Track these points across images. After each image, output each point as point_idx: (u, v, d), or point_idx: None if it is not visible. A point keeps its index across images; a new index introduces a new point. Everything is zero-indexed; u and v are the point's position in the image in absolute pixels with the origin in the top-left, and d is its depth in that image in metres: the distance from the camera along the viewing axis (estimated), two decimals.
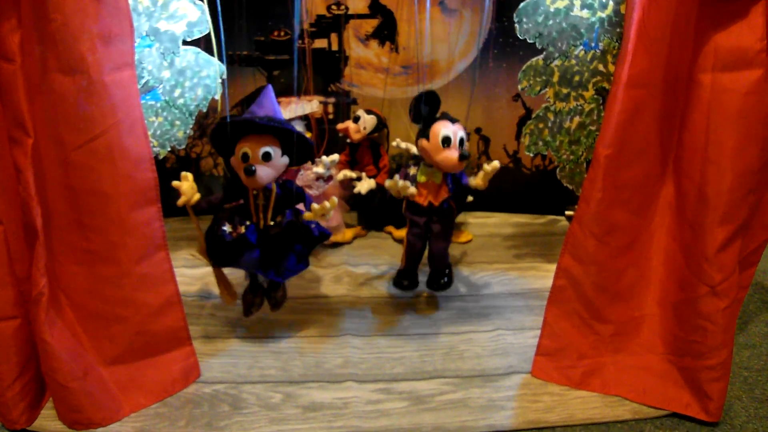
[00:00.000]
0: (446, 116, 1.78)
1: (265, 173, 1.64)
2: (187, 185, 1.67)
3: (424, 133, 1.76)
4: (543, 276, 2.23)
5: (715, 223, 1.47)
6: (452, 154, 1.72)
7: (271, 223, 1.74)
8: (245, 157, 1.64)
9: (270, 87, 1.72)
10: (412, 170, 1.84)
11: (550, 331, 1.71)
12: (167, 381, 1.64)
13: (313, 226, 1.79)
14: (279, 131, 1.66)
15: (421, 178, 1.82)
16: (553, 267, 1.69)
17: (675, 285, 1.62)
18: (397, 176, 1.78)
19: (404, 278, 1.98)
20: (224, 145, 1.70)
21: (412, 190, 1.78)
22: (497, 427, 1.54)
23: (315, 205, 1.73)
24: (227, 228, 1.70)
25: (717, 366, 1.52)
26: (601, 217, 1.59)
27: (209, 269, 1.89)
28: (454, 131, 1.73)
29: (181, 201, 1.66)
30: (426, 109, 1.78)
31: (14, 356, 1.47)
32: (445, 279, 1.98)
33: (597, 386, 1.66)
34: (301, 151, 1.73)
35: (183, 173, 1.67)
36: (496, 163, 1.75)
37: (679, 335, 1.60)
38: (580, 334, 1.69)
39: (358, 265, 2.33)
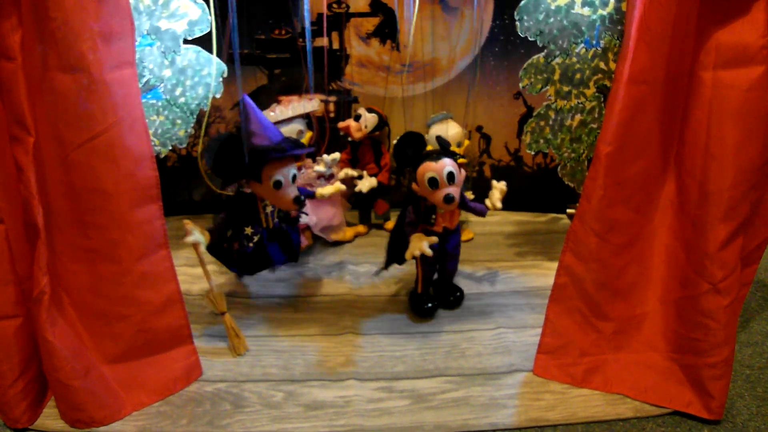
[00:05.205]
0: (436, 152, 1.73)
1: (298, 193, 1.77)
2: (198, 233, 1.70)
3: (413, 176, 1.74)
4: (544, 274, 2.23)
5: (717, 219, 1.47)
6: (440, 197, 1.69)
7: (277, 219, 1.86)
8: (278, 184, 1.71)
9: (247, 98, 1.73)
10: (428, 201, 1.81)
11: (552, 328, 1.70)
12: (169, 379, 1.64)
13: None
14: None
15: (440, 210, 1.80)
16: (555, 265, 1.69)
17: (676, 282, 1.61)
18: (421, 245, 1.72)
19: (424, 302, 1.97)
20: (235, 170, 1.75)
21: (428, 251, 1.73)
22: (499, 426, 1.54)
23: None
24: (245, 242, 1.79)
25: (719, 364, 1.52)
26: (602, 215, 1.58)
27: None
28: (439, 170, 1.68)
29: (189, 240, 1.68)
30: (410, 152, 1.76)
31: (16, 355, 1.48)
32: (455, 296, 2.00)
33: (599, 384, 1.66)
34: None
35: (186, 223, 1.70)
36: (503, 185, 1.82)
37: (681, 332, 1.60)
38: (582, 331, 1.69)
39: (360, 263, 2.32)
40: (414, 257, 1.76)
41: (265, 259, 1.88)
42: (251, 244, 1.80)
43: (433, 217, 1.81)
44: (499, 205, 1.85)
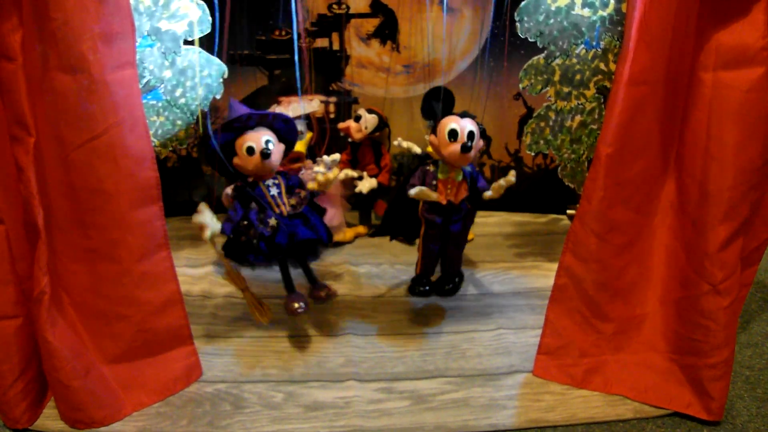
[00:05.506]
0: (464, 113, 1.74)
1: (275, 156, 1.74)
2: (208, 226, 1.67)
3: (434, 128, 1.73)
4: (545, 275, 2.23)
5: (717, 220, 1.47)
6: (457, 147, 1.66)
7: (290, 207, 1.81)
8: (251, 150, 1.71)
9: (233, 100, 1.77)
10: (431, 167, 1.77)
11: (552, 329, 1.70)
12: (169, 380, 1.64)
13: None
14: (267, 123, 1.77)
15: (441, 175, 1.75)
16: (555, 266, 1.69)
17: (676, 283, 1.61)
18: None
19: (421, 284, 1.91)
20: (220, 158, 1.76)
21: (433, 195, 1.70)
22: (499, 427, 1.54)
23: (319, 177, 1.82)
24: (262, 227, 1.74)
25: (719, 364, 1.52)
26: (602, 215, 1.59)
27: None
28: (462, 125, 1.67)
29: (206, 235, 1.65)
30: (438, 106, 1.75)
31: (16, 355, 1.47)
32: (451, 285, 1.93)
33: (599, 385, 1.66)
34: (291, 135, 1.85)
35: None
36: (511, 178, 1.73)
37: (681, 333, 1.60)
38: (582, 332, 1.69)
39: (360, 264, 2.32)
40: (420, 202, 1.74)
41: (290, 236, 1.77)
42: (268, 229, 1.74)
43: (435, 182, 1.75)
44: (497, 188, 1.75)
